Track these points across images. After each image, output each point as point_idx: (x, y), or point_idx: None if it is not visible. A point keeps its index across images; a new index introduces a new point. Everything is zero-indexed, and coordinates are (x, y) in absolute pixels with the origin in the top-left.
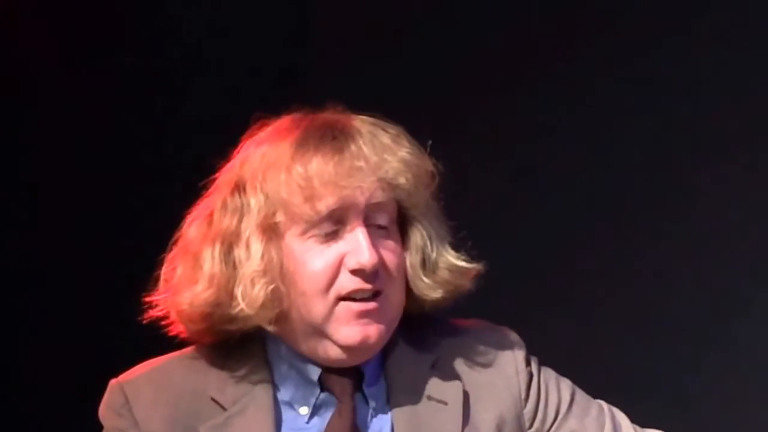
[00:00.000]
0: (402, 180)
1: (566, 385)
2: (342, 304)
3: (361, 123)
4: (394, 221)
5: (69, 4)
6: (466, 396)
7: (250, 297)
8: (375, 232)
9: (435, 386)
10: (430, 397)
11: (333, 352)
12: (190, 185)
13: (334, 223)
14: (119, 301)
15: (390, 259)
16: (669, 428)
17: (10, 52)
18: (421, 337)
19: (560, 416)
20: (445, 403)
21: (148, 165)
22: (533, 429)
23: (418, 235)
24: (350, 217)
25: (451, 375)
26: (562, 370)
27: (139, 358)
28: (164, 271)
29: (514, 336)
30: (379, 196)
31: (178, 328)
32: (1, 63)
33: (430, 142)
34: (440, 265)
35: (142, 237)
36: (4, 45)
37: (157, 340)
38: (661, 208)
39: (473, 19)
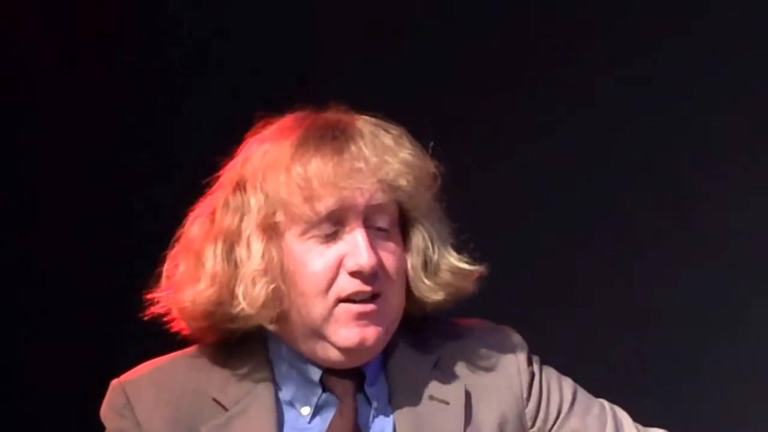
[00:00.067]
0: (403, 182)
1: (568, 384)
2: (341, 305)
3: (363, 123)
4: (395, 223)
5: (69, 4)
6: (467, 396)
7: (251, 296)
8: (375, 233)
9: (437, 386)
10: (431, 397)
11: (332, 354)
12: (190, 185)
13: (334, 224)
14: (120, 301)
15: (390, 261)
16: (669, 427)
17: (10, 52)
18: (423, 337)
19: (562, 415)
20: (447, 403)
21: (149, 165)
22: (535, 428)
23: (419, 237)
24: (350, 219)
25: (453, 375)
26: (563, 370)
27: (141, 358)
28: (166, 268)
29: (515, 335)
30: (380, 198)
31: (180, 326)
32: (1, 63)
33: (432, 143)
34: (442, 267)
35: (142, 237)
36: (4, 45)
37: (158, 340)
38: (661, 208)
39: (473, 19)
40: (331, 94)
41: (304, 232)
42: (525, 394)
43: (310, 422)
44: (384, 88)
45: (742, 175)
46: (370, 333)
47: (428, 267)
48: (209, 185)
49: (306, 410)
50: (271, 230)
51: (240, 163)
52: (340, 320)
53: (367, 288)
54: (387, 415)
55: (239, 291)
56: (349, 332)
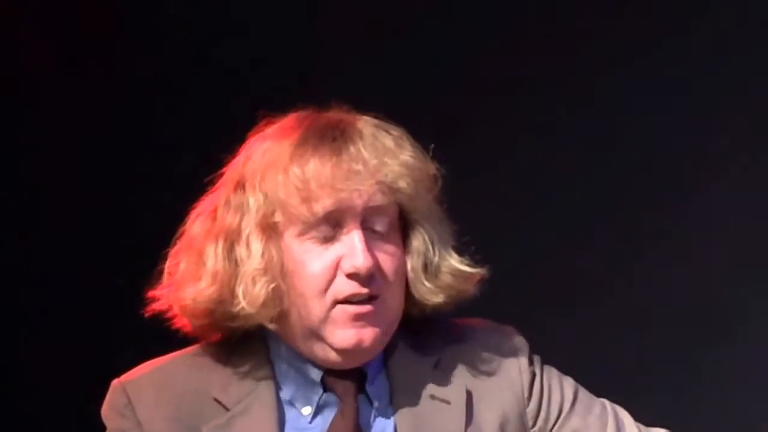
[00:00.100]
0: (402, 184)
1: (569, 383)
2: (338, 306)
3: (364, 124)
4: (395, 225)
5: (69, 4)
6: (469, 395)
7: (251, 295)
8: (373, 235)
9: (438, 386)
10: (433, 397)
11: (329, 355)
12: (190, 185)
13: (332, 226)
14: (121, 301)
15: (387, 263)
16: (670, 427)
17: (10, 52)
18: (424, 337)
19: (563, 415)
20: (448, 403)
21: (149, 164)
22: (536, 428)
23: (419, 239)
24: (347, 220)
25: (454, 374)
26: (563, 369)
27: (142, 357)
28: (168, 265)
29: (517, 335)
30: (378, 200)
31: (181, 323)
32: (1, 63)
33: (432, 145)
34: (443, 270)
35: (142, 236)
36: (4, 45)
37: (159, 340)
38: (661, 208)
39: (474, 19)
40: (331, 94)
41: (302, 233)
42: (526, 394)
43: (311, 422)
44: (384, 88)
45: (742, 175)
46: (367, 334)
47: (428, 269)
48: (212, 183)
49: (307, 410)
50: (270, 230)
51: (241, 161)
52: (337, 321)
53: (364, 290)
54: (388, 415)
55: (239, 290)
56: (345, 333)
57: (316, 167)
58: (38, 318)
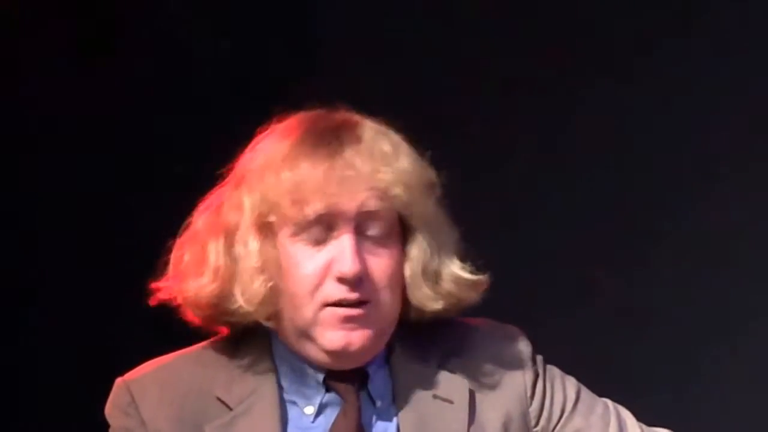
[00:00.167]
0: (396, 191)
1: (571, 383)
2: (327, 309)
3: (365, 128)
4: (392, 230)
5: (70, 4)
6: (472, 395)
7: (249, 293)
8: (366, 240)
9: (441, 385)
10: (435, 396)
11: (320, 356)
12: (193, 185)
13: (325, 228)
14: (124, 300)
15: (380, 268)
16: (671, 427)
17: (10, 51)
18: (427, 336)
19: (565, 414)
20: (451, 402)
21: (150, 164)
22: (539, 427)
23: (418, 245)
24: (339, 224)
25: (457, 374)
26: (565, 369)
27: (145, 356)
28: (174, 256)
29: (520, 335)
30: (372, 205)
31: (188, 315)
32: (1, 62)
33: (432, 145)
34: (444, 276)
35: (142, 237)
36: (4, 44)
37: (163, 338)
38: (662, 209)
39: (475, 19)
40: (331, 94)
41: (295, 234)
42: (529, 393)
43: (313, 421)
44: (385, 88)
45: (743, 175)
46: (356, 337)
47: (428, 275)
48: (222, 177)
49: (309, 409)
50: (266, 229)
51: (246, 158)
52: (326, 323)
53: (353, 295)
54: (391, 415)
55: (238, 287)
56: (334, 335)
57: (308, 171)
58: (42, 317)
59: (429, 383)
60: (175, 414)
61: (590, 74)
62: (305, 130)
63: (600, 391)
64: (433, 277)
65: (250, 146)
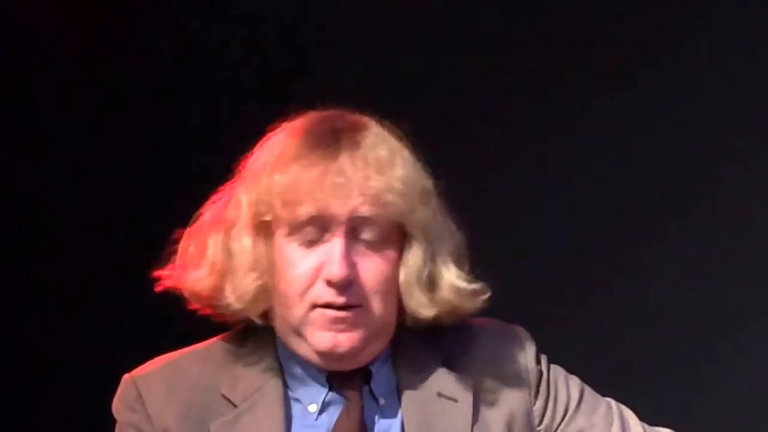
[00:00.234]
0: (389, 198)
1: (575, 383)
2: (317, 310)
3: (365, 133)
4: (388, 235)
5: (71, 4)
6: (476, 393)
7: (239, 290)
8: (360, 244)
9: (445, 384)
10: (440, 395)
11: (311, 355)
12: (192, 184)
13: (319, 230)
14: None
15: (371, 273)
16: (673, 427)
17: (10, 50)
18: (431, 335)
19: (569, 414)
20: (456, 401)
21: (153, 164)
22: (542, 426)
23: (414, 252)
24: (332, 227)
25: (462, 372)
26: (569, 369)
27: (153, 353)
28: (181, 245)
29: (524, 334)
30: (365, 211)
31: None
32: (1, 62)
33: (432, 153)
34: (440, 284)
35: (142, 237)
36: (5, 44)
37: (170, 336)
38: (666, 209)
39: (480, 20)
40: (332, 94)
41: (289, 234)
42: (533, 393)
43: (317, 419)
44: (386, 88)
45: (744, 175)
46: (344, 339)
47: (422, 282)
48: (233, 172)
49: (313, 407)
50: (262, 228)
51: (251, 157)
52: (315, 324)
53: (340, 299)
54: (394, 413)
55: (229, 284)
56: (323, 336)
57: (301, 174)
58: (49, 315)
59: (433, 382)
60: (181, 410)
61: (590, 74)
62: (307, 132)
63: (603, 391)
64: (428, 284)
65: (258, 144)
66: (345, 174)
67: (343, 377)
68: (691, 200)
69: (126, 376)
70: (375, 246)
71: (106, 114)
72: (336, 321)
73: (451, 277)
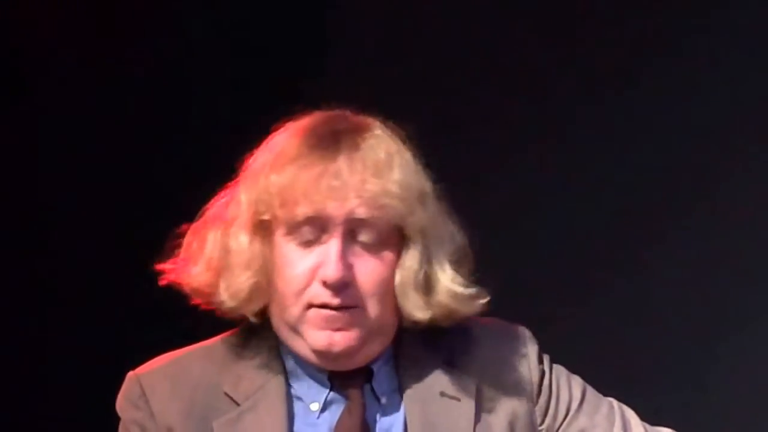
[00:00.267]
0: (385, 201)
1: (577, 383)
2: (312, 309)
3: (367, 135)
4: (387, 237)
5: (71, 4)
6: (479, 393)
7: (233, 288)
8: (358, 245)
9: (448, 383)
10: (442, 394)
11: (309, 354)
12: (193, 184)
13: (317, 230)
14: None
15: (369, 275)
16: (675, 427)
17: (10, 50)
18: (434, 334)
19: (571, 413)
20: (458, 400)
21: (154, 164)
22: (544, 426)
23: (411, 254)
24: (330, 228)
25: (464, 372)
26: (572, 368)
27: (157, 350)
28: (184, 241)
29: (527, 333)
30: (362, 213)
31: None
32: (1, 62)
33: (435, 154)
34: (436, 288)
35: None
36: (5, 44)
37: (172, 334)
38: (668, 209)
39: (488, 21)
40: (338, 94)
41: (288, 233)
42: (535, 392)
43: (318, 417)
44: (386, 88)
45: (744, 175)
46: (339, 338)
47: (418, 285)
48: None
49: (315, 405)
50: (261, 227)
51: (254, 155)
52: (311, 323)
53: (335, 300)
54: (397, 411)
55: (224, 281)
56: (318, 335)
57: (297, 176)
58: (50, 313)
59: (436, 381)
60: (185, 408)
61: (591, 75)
62: (308, 133)
63: (604, 391)
64: (423, 287)
65: (263, 143)
66: (342, 176)
67: (344, 376)
68: (691, 200)
69: (130, 374)
70: (373, 248)
71: (114, 114)
72: (331, 320)
73: (447, 280)
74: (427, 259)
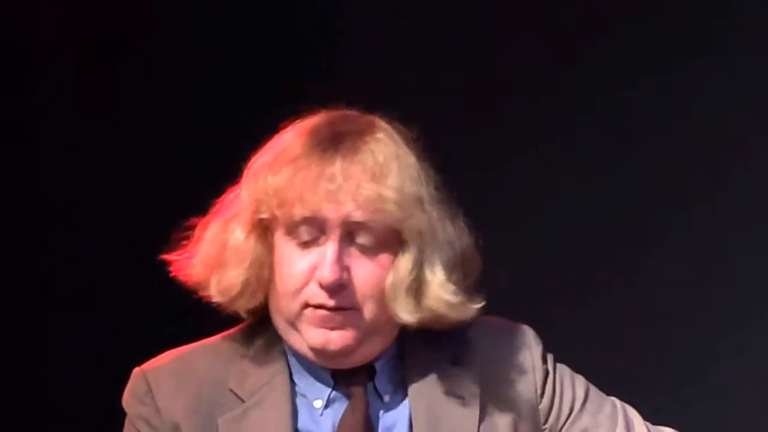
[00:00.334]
0: (381, 206)
1: (580, 382)
2: (309, 308)
3: (369, 137)
4: (385, 240)
5: (71, 4)
6: (483, 392)
7: (223, 284)
8: (355, 247)
9: (452, 382)
10: (447, 392)
11: (306, 351)
12: (195, 184)
13: (316, 230)
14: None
15: (365, 277)
16: (676, 426)
17: (10, 50)
18: (438, 333)
19: (574, 413)
20: (463, 398)
21: (157, 163)
22: (548, 425)
23: (406, 258)
24: (327, 229)
25: (469, 370)
26: (575, 368)
27: (162, 347)
28: (191, 235)
29: (531, 333)
30: (359, 216)
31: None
32: (1, 62)
33: (439, 155)
34: (427, 293)
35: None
36: (5, 44)
37: (177, 331)
38: (670, 209)
39: (496, 22)
40: (340, 93)
41: (287, 233)
42: (539, 392)
43: (322, 414)
44: (392, 88)
45: (743, 174)
46: (335, 338)
47: (409, 288)
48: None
49: (318, 403)
50: (260, 225)
51: (257, 154)
52: (308, 321)
53: (331, 302)
54: (400, 410)
55: (215, 277)
56: (315, 333)
57: (295, 177)
58: (53, 312)
59: (440, 380)
60: (191, 404)
61: (590, 74)
62: (310, 134)
63: (605, 391)
64: (414, 290)
65: (268, 142)
66: (337, 180)
67: (347, 374)
68: (691, 200)
69: (136, 370)
70: (370, 250)
71: (119, 113)
72: (327, 320)
73: (437, 286)
74: (420, 263)
